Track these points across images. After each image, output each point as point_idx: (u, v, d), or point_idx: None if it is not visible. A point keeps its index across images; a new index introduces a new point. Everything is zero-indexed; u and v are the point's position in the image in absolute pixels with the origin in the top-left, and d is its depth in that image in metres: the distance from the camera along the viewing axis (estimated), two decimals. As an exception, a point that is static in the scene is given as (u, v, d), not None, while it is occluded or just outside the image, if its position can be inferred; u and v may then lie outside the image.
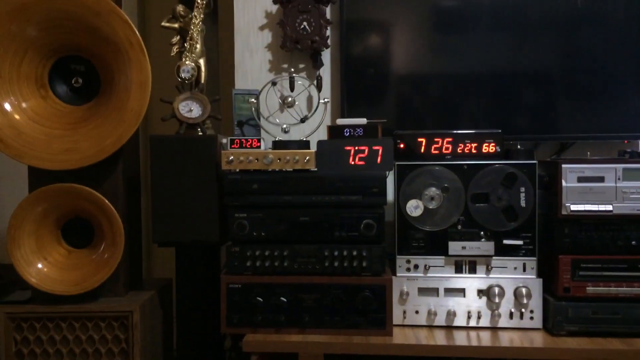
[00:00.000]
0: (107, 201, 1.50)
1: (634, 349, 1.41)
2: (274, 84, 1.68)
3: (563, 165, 1.48)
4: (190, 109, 1.62)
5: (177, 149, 1.56)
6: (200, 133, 1.64)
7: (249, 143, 1.58)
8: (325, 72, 1.88)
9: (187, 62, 1.60)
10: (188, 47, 1.62)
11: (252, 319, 1.51)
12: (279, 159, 1.53)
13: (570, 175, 1.48)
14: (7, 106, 1.51)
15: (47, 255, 1.53)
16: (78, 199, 1.50)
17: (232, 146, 1.58)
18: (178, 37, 1.71)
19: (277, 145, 1.58)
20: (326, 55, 1.87)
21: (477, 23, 1.77)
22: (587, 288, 1.48)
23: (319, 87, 1.81)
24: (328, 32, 1.81)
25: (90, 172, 1.53)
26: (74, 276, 1.50)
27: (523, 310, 1.53)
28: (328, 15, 1.82)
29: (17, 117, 1.52)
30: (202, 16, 1.63)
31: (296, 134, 1.84)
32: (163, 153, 1.56)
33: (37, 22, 1.49)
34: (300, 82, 1.76)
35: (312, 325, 1.51)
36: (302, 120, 1.66)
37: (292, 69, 1.79)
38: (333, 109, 1.86)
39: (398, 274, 1.57)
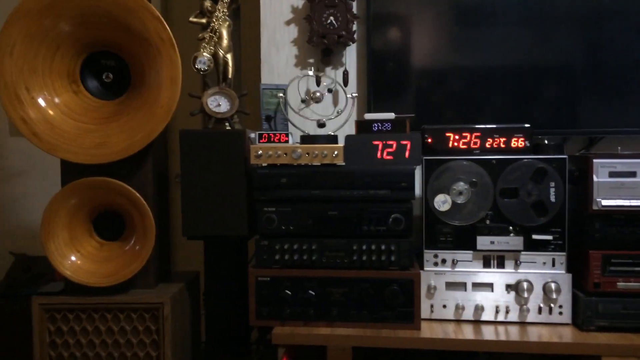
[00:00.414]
0: (138, 195, 1.51)
1: (666, 345, 1.40)
2: (299, 79, 1.68)
3: (594, 160, 1.47)
4: (218, 103, 1.64)
5: (206, 144, 1.57)
6: (228, 128, 1.65)
7: (277, 137, 1.58)
8: (352, 67, 1.88)
9: (204, 53, 1.60)
10: (207, 39, 1.62)
11: (281, 312, 1.53)
12: (308, 154, 1.54)
13: (602, 170, 1.47)
14: (41, 101, 1.54)
15: (80, 248, 1.56)
16: (110, 192, 1.53)
17: (261, 141, 1.58)
18: (206, 33, 1.72)
19: (305, 139, 1.59)
20: (352, 50, 1.87)
21: (505, 16, 1.76)
22: (618, 283, 1.47)
23: (345, 82, 1.81)
24: (354, 27, 1.81)
25: (121, 166, 1.55)
26: (106, 268, 1.53)
27: (552, 305, 1.52)
28: (355, 10, 1.82)
29: (50, 112, 1.54)
30: (225, 10, 1.63)
31: (322, 129, 1.85)
32: (192, 147, 1.57)
33: (69, 17, 1.51)
34: (327, 76, 1.76)
35: (340, 319, 1.52)
36: (323, 126, 1.66)
37: (318, 66, 1.80)
38: (358, 103, 1.86)
39: (426, 268, 1.57)
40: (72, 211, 1.54)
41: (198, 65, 1.60)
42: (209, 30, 1.64)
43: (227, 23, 1.70)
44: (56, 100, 1.56)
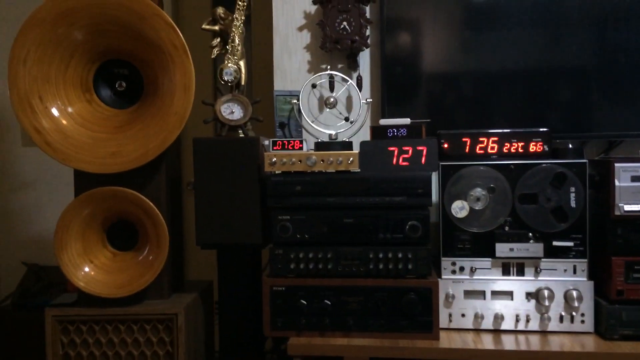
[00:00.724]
0: (151, 204, 1.50)
1: (694, 355, 1.36)
2: (313, 86, 1.67)
3: (616, 164, 1.44)
4: (232, 111, 1.62)
5: (219, 151, 1.55)
6: (242, 135, 1.63)
7: (291, 145, 1.57)
8: (365, 72, 1.86)
9: (229, 65, 1.60)
10: (230, 49, 1.62)
11: (296, 322, 1.50)
12: (323, 160, 1.52)
13: (624, 174, 1.43)
14: (55, 111, 1.53)
15: (93, 258, 1.55)
16: (123, 202, 1.51)
17: (275, 148, 1.57)
18: (218, 40, 1.71)
19: (320, 146, 1.57)
20: (365, 56, 1.86)
21: (520, 18, 1.73)
22: (643, 291, 1.44)
23: (359, 88, 1.80)
24: (368, 32, 1.79)
25: (134, 175, 1.54)
26: (119, 279, 1.51)
27: (574, 313, 1.48)
28: (368, 15, 1.80)
29: (64, 121, 1.53)
30: (243, 18, 1.62)
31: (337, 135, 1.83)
32: (206, 155, 1.56)
33: (83, 26, 1.50)
34: (340, 81, 1.74)
35: (357, 329, 1.50)
36: (347, 119, 1.64)
37: (332, 70, 1.78)
38: (372, 109, 1.84)
39: (443, 277, 1.54)
40: (85, 221, 1.52)
41: (225, 77, 1.60)
42: (230, 40, 1.63)
43: (240, 30, 1.70)
44: (69, 109, 1.55)
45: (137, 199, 1.49)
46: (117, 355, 1.50)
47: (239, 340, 1.62)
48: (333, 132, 1.59)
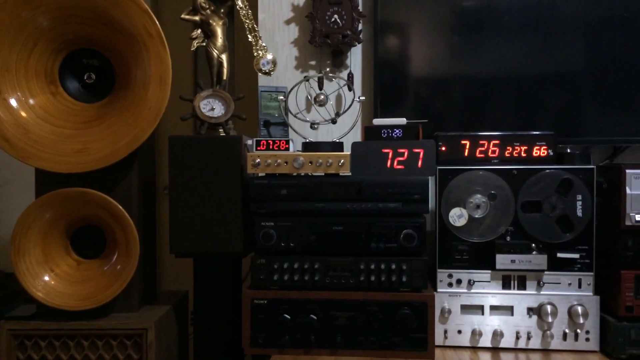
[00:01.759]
0: (121, 208, 1.36)
1: None
2: (306, 78, 1.55)
3: (627, 171, 1.34)
4: (212, 107, 1.50)
5: (198, 151, 1.42)
6: (222, 134, 1.50)
7: (276, 145, 1.45)
8: (356, 69, 1.75)
9: (266, 55, 1.51)
10: (254, 41, 1.51)
11: (279, 339, 1.37)
12: (311, 162, 1.39)
13: (636, 181, 1.34)
14: (14, 102, 1.38)
15: (54, 267, 1.40)
16: (89, 205, 1.37)
17: (259, 148, 1.45)
18: (199, 31, 1.59)
19: (308, 147, 1.45)
20: (357, 52, 1.74)
21: (519, 22, 1.64)
22: (654, 307, 1.34)
23: (350, 85, 1.68)
24: (360, 26, 1.68)
25: (103, 175, 1.40)
26: (83, 290, 1.36)
27: (578, 330, 1.38)
28: (360, 8, 1.68)
29: (23, 114, 1.38)
30: (247, 6, 1.51)
31: (325, 136, 1.71)
32: (183, 155, 1.43)
33: (48, 10, 1.36)
34: (330, 78, 1.63)
35: (345, 346, 1.37)
36: (334, 122, 1.52)
37: (321, 67, 1.67)
38: (363, 109, 1.73)
39: (439, 290, 1.43)
40: (46, 226, 1.37)
41: (264, 68, 1.50)
42: (247, 31, 1.52)
43: (222, 21, 1.57)
44: (31, 101, 1.41)
45: (105, 202, 1.35)
46: (78, 374, 1.35)
47: (215, 354, 1.48)
48: (315, 121, 1.47)
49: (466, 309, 1.42)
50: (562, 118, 1.65)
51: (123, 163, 1.40)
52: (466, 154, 1.48)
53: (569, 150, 1.49)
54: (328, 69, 1.72)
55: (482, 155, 1.47)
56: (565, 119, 1.65)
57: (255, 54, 1.50)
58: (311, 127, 1.50)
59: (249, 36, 1.49)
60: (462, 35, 1.66)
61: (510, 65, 1.65)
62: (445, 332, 1.42)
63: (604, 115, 1.63)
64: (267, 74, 1.52)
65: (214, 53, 1.55)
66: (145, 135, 1.38)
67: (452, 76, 1.68)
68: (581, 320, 1.37)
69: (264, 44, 1.48)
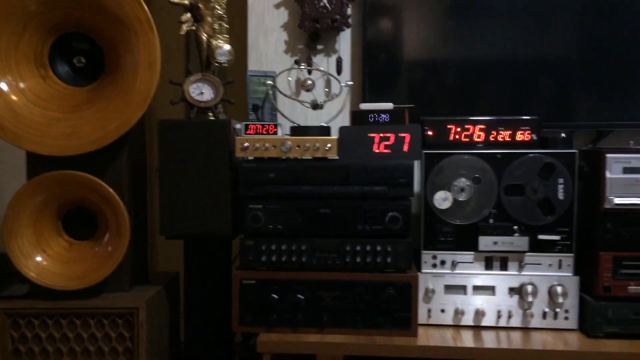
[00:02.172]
0: (111, 190, 1.38)
1: (681, 354, 1.31)
2: (296, 62, 1.56)
3: (607, 155, 1.37)
4: (201, 91, 1.51)
5: (187, 135, 1.44)
6: (212, 118, 1.52)
7: (265, 129, 1.46)
8: (345, 54, 1.76)
9: (223, 45, 1.49)
10: (219, 27, 1.50)
11: (267, 318, 1.41)
12: (298, 146, 1.42)
13: (616, 165, 1.37)
14: (4, 86, 1.39)
15: (46, 248, 1.42)
16: (80, 187, 1.39)
17: (247, 132, 1.46)
18: (189, 15, 1.59)
19: (296, 131, 1.47)
20: (346, 37, 1.75)
21: (508, 6, 1.65)
22: (630, 287, 1.38)
23: (338, 70, 1.70)
24: (349, 11, 1.69)
25: (93, 158, 1.42)
26: (75, 270, 1.39)
27: (558, 309, 1.42)
28: (349, -7, 1.69)
29: (14, 98, 1.40)
30: None
31: (313, 120, 1.73)
32: (172, 139, 1.44)
33: (37, -6, 1.37)
34: (319, 63, 1.64)
35: (332, 325, 1.41)
36: (314, 107, 1.53)
37: (310, 53, 1.68)
38: (352, 93, 1.75)
39: (423, 270, 1.46)
40: (38, 208, 1.40)
41: (220, 58, 1.48)
42: (216, 17, 1.52)
43: (211, 5, 1.58)
44: (21, 85, 1.42)
45: (95, 184, 1.37)
46: (71, 351, 1.39)
47: (206, 334, 1.52)
48: (319, 100, 1.48)
49: (450, 289, 1.45)
50: (549, 102, 1.67)
51: (113, 146, 1.42)
52: (452, 138, 1.50)
53: (563, 135, 1.50)
54: (312, 56, 1.72)
55: (467, 140, 1.49)
56: (552, 103, 1.67)
57: (214, 42, 1.49)
58: (313, 105, 1.49)
59: (216, 24, 1.49)
60: (452, 20, 1.67)
61: (499, 49, 1.66)
62: (429, 311, 1.46)
63: (589, 100, 1.65)
64: (222, 65, 1.50)
65: (203, 37, 1.56)
66: (134, 119, 1.40)
67: (441, 61, 1.69)
68: (561, 300, 1.41)
69: (227, 35, 1.48)
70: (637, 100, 1.64)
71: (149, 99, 1.41)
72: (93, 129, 1.40)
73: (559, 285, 1.42)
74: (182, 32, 1.61)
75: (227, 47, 1.49)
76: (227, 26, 1.54)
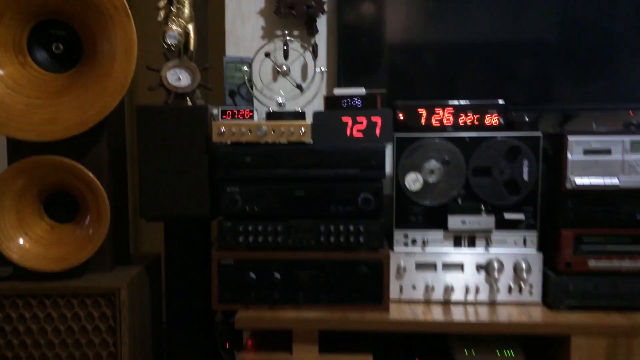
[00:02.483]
0: (91, 174, 1.42)
1: (634, 323, 1.39)
2: (267, 55, 1.59)
3: (569, 137, 1.43)
4: (178, 77, 1.54)
5: (165, 120, 1.48)
6: (189, 103, 1.56)
7: (241, 114, 1.50)
8: (321, 41, 1.79)
9: (173, 27, 1.51)
10: (175, 10, 1.52)
11: (245, 296, 1.47)
12: (273, 131, 1.46)
13: (577, 147, 1.43)
14: (-17, 73, 1.42)
15: (28, 231, 1.46)
16: (60, 172, 1.43)
17: (224, 117, 1.50)
18: (165, 1, 1.61)
19: (271, 116, 1.51)
20: (322, 23, 1.79)
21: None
22: (589, 262, 1.45)
23: (314, 55, 1.73)
24: (324, -3, 1.72)
25: (73, 143, 1.45)
26: (57, 252, 1.44)
27: (522, 284, 1.50)
28: (324, -21, 1.73)
29: (-7, 84, 1.42)
30: None
31: (289, 105, 1.76)
32: (151, 124, 1.48)
33: (13, -19, 1.38)
34: (295, 49, 1.67)
35: (307, 302, 1.47)
36: (299, 87, 1.57)
37: (287, 36, 1.71)
38: (328, 78, 1.79)
39: (395, 249, 1.52)
40: (19, 192, 1.43)
41: (169, 40, 1.50)
42: (175, 1, 1.53)
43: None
44: (0, 72, 1.44)
45: (75, 168, 1.41)
46: (56, 330, 1.44)
47: (187, 313, 1.57)
48: (281, 100, 1.52)
49: (420, 266, 1.52)
50: (525, 85, 1.72)
51: (93, 132, 1.46)
52: (423, 122, 1.55)
53: (527, 119, 1.56)
54: (289, 38, 1.75)
55: (437, 124, 1.55)
56: (528, 86, 1.72)
57: (166, 25, 1.51)
58: (277, 104, 1.52)
59: (172, 7, 1.51)
60: (425, 8, 1.71)
61: (474, 33, 1.70)
62: (401, 287, 1.52)
63: (562, 84, 1.71)
64: (171, 48, 1.51)
65: (181, 23, 1.59)
66: (112, 105, 1.43)
67: (417, 44, 1.73)
68: (525, 275, 1.48)
69: (181, 20, 1.50)
70: (602, 85, 1.70)
71: (127, 85, 1.44)
72: (72, 115, 1.43)
73: (524, 261, 1.49)
74: (160, 19, 1.63)
75: (177, 29, 1.50)
76: (188, 10, 1.56)
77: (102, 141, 1.50)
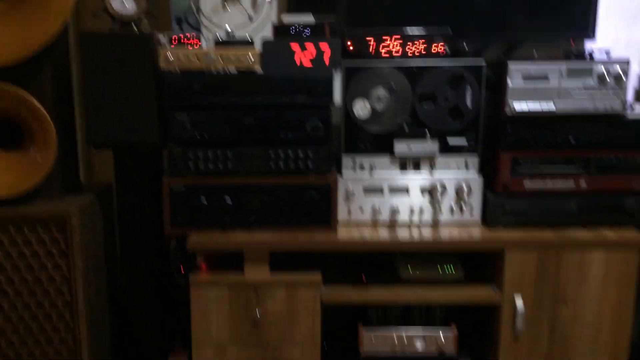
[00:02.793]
0: (35, 101, 1.40)
1: (563, 237, 1.50)
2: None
3: (509, 64, 1.48)
4: (123, 2, 1.50)
5: (111, 47, 1.45)
6: (136, 30, 1.53)
7: (190, 42, 1.49)
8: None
9: None
10: None
11: (197, 220, 1.51)
12: (222, 59, 1.46)
13: (516, 74, 1.48)
14: None
15: (-27, 158, 1.45)
16: (4, 100, 1.40)
17: (172, 45, 1.49)
18: None
19: (220, 44, 1.50)
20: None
21: None
22: (525, 183, 1.54)
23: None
24: None
25: (15, 71, 1.41)
26: (4, 179, 1.42)
27: (463, 206, 1.58)
28: None
29: None
30: None
31: (239, 34, 1.75)
32: (96, 52, 1.45)
33: None
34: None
35: (258, 225, 1.52)
36: (249, 17, 1.56)
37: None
38: (279, 8, 1.77)
39: (344, 174, 1.57)
40: (-40, 120, 1.41)
41: None
42: None
43: None
44: None
45: (18, 95, 1.38)
46: (8, 255, 1.45)
47: (141, 241, 1.59)
48: (229, 28, 1.51)
49: (368, 190, 1.58)
50: (481, 15, 1.74)
51: (35, 59, 1.42)
52: (371, 51, 1.57)
53: (466, 48, 1.59)
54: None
55: (386, 54, 1.57)
56: (484, 16, 1.74)
57: None
58: (227, 34, 1.51)
59: None
60: None
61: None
62: (349, 211, 1.58)
63: (514, 15, 1.74)
64: None
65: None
66: (53, 30, 1.40)
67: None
68: (466, 197, 1.56)
69: None
70: (548, 19, 1.74)
71: (69, 9, 1.40)
72: (11, 41, 1.39)
73: (465, 184, 1.56)
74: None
75: None
76: None
77: (46, 68, 1.46)
